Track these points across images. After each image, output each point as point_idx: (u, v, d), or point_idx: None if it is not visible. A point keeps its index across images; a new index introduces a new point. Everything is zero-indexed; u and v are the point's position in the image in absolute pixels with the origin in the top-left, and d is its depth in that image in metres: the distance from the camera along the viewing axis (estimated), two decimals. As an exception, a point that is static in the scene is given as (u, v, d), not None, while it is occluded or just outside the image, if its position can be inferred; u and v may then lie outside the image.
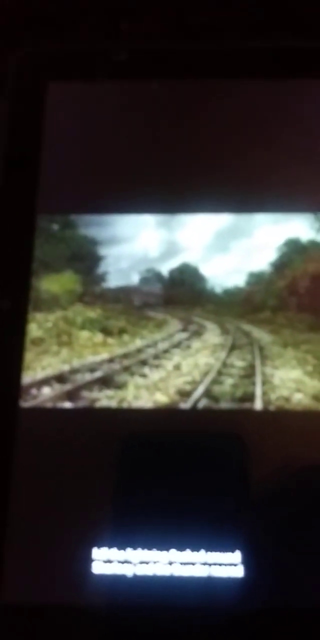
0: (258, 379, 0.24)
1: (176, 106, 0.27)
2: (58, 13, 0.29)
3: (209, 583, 0.21)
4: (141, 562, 0.22)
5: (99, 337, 0.26)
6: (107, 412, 0.24)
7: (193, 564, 0.22)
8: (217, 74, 0.27)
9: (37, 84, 0.27)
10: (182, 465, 0.23)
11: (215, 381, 0.24)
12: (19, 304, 0.24)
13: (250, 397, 0.23)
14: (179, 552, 0.22)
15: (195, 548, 0.22)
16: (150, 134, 0.27)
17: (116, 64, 0.27)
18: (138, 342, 0.25)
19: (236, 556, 0.22)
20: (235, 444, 0.22)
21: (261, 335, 0.25)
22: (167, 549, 0.22)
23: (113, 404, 0.24)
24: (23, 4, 0.29)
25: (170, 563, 0.22)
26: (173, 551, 0.22)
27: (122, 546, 0.22)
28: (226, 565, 0.22)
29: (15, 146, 0.26)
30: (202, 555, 0.22)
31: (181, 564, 0.22)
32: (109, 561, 0.22)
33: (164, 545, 0.22)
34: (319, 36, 0.28)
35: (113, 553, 0.22)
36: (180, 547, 0.22)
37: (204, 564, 0.22)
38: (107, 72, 0.27)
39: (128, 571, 0.22)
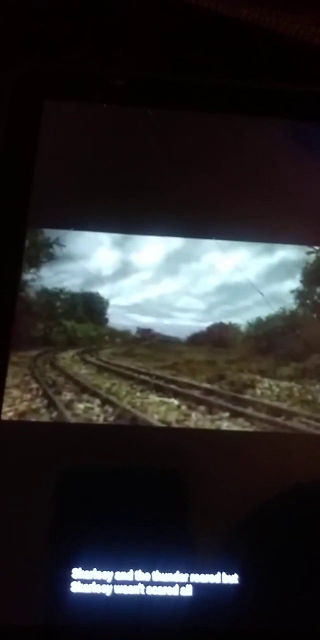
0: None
1: (144, 133, 0.28)
2: (56, 36, 0.30)
3: (190, 602, 0.22)
4: (120, 582, 0.22)
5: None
6: (89, 428, 0.24)
7: (172, 584, 0.22)
8: (196, 107, 0.28)
9: (33, 101, 0.27)
10: (160, 486, 0.23)
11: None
12: (5, 314, 0.24)
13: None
14: (158, 573, 0.22)
15: (173, 569, 0.22)
16: (118, 157, 0.27)
17: (112, 88, 0.28)
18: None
19: (217, 577, 0.22)
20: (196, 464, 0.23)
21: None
22: (145, 570, 0.22)
23: (100, 420, 0.24)
24: (21, 24, 0.30)
25: (149, 584, 0.22)
26: (155, 572, 0.22)
27: (101, 566, 0.22)
28: (205, 584, 0.22)
29: (10, 161, 0.26)
30: (180, 575, 0.22)
31: (160, 584, 0.22)
32: (88, 581, 0.22)
33: (142, 566, 0.22)
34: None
35: (93, 573, 0.22)
36: (161, 568, 0.22)
37: (182, 583, 0.22)
38: (103, 95, 0.28)
39: (106, 591, 0.22)
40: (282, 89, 0.29)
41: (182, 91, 0.29)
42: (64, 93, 0.28)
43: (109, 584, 0.22)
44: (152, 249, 0.26)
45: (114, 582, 0.22)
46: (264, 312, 0.25)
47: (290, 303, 0.26)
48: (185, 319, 0.25)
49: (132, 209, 0.26)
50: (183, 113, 0.28)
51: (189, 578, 0.22)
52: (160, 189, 0.27)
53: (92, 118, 0.28)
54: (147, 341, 0.25)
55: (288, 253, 0.26)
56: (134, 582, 0.22)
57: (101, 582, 0.22)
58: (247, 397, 0.24)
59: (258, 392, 0.25)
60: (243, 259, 0.26)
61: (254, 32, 0.32)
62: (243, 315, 0.25)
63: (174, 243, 0.26)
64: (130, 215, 0.26)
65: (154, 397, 0.24)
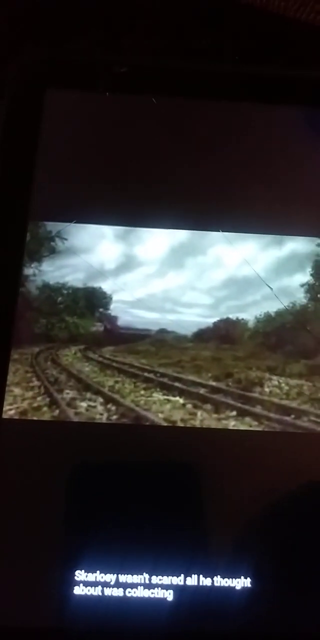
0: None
1: (148, 123, 0.27)
2: (60, 24, 0.29)
3: (196, 606, 0.21)
4: (123, 585, 0.21)
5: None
6: (91, 427, 0.23)
7: (177, 587, 0.21)
8: (203, 95, 0.27)
9: (35, 90, 0.26)
10: (165, 487, 0.22)
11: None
12: (6, 310, 0.24)
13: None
14: (162, 576, 0.21)
15: (177, 572, 0.21)
16: (121, 147, 0.27)
17: (115, 76, 0.27)
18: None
19: (225, 580, 0.21)
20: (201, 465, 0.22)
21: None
22: (149, 573, 0.21)
23: (103, 419, 0.23)
24: (27, 13, 0.29)
25: (152, 586, 0.21)
26: (159, 575, 0.21)
27: (104, 569, 0.21)
28: (212, 587, 0.21)
29: (11, 151, 0.25)
30: (182, 578, 0.21)
31: (162, 587, 0.21)
32: (91, 583, 0.21)
33: (146, 569, 0.21)
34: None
35: (96, 575, 0.21)
36: (162, 571, 0.21)
37: (187, 586, 0.21)
38: (106, 84, 0.27)
39: (110, 593, 0.21)
40: (291, 75, 0.28)
41: (189, 78, 0.28)
42: (66, 82, 0.27)
43: (112, 586, 0.21)
44: (157, 242, 0.25)
45: (118, 584, 0.21)
46: (272, 307, 0.25)
47: (301, 297, 0.25)
48: (190, 314, 0.24)
49: (136, 201, 0.26)
50: (189, 101, 0.27)
51: (197, 580, 0.21)
52: (165, 180, 0.26)
53: (95, 107, 0.27)
54: (151, 338, 0.24)
55: (298, 245, 0.25)
56: (138, 585, 0.21)
57: (104, 584, 0.21)
58: (255, 395, 0.24)
59: (266, 390, 0.24)
60: (251, 251, 0.25)
61: (263, 16, 0.31)
62: (251, 311, 0.25)
63: (179, 236, 0.25)
64: (134, 207, 0.26)
65: (158, 395, 0.24)
